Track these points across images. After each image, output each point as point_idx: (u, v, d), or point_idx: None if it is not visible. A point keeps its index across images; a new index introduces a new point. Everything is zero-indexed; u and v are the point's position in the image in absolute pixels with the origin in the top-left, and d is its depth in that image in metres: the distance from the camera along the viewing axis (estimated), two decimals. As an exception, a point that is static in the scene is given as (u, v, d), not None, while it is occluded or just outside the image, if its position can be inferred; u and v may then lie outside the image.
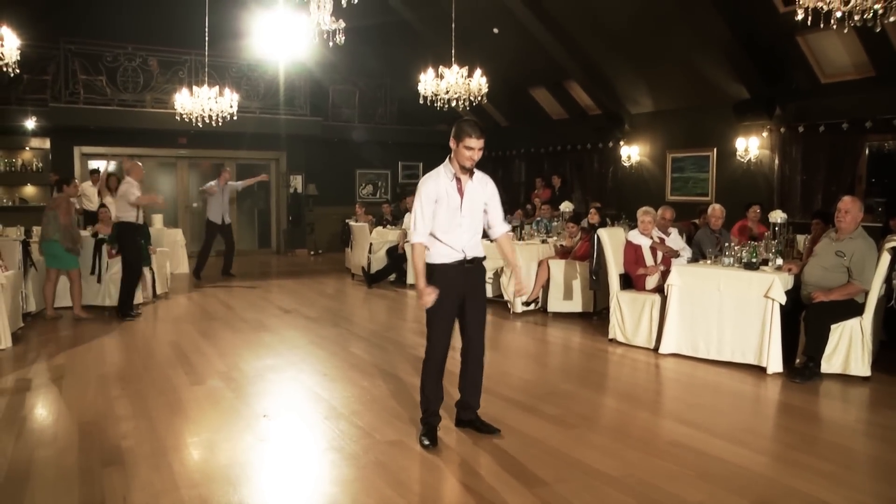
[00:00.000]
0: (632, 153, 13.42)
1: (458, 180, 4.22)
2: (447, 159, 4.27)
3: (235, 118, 11.02)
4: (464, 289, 4.27)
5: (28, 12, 11.57)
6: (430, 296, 4.13)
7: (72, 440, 4.44)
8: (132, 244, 8.41)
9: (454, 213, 4.19)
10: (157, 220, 12.45)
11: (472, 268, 4.32)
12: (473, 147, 4.11)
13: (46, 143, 14.57)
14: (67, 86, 13.58)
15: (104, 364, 6.40)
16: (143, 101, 14.15)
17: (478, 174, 4.30)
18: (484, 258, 4.41)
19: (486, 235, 4.49)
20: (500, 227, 4.48)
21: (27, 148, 14.86)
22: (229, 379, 5.88)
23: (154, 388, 5.61)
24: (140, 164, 8.88)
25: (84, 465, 4.05)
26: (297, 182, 16.62)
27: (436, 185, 4.20)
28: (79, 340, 7.32)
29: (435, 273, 4.24)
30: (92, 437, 4.50)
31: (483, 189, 4.32)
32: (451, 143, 4.18)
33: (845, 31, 5.23)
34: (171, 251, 11.80)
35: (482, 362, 4.49)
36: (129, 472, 3.92)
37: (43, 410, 5.14)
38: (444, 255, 4.24)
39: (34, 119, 13.61)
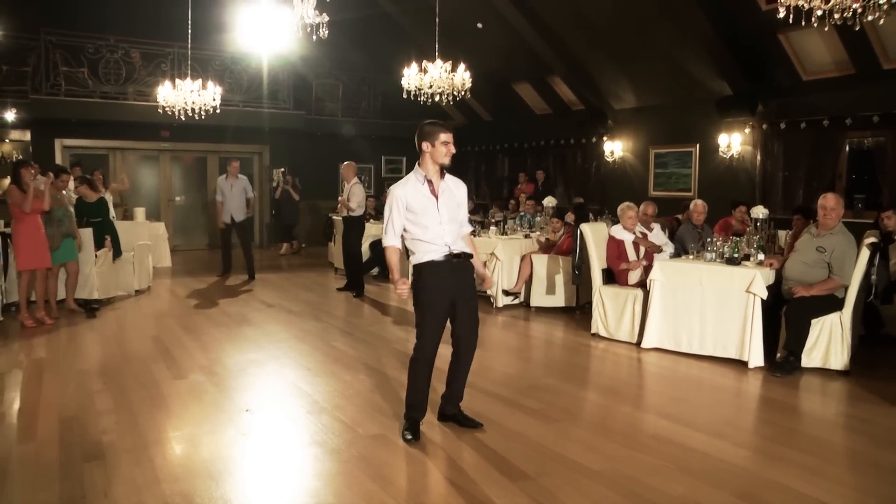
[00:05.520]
0: (615, 149, 13.46)
1: (430, 182, 4.28)
2: (416, 165, 4.34)
3: (218, 111, 10.92)
4: (455, 290, 4.30)
5: (7, 2, 11.42)
6: (404, 286, 4.20)
7: (52, 435, 4.41)
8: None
9: (432, 214, 4.24)
10: (140, 213, 12.33)
11: (461, 265, 4.34)
12: (449, 141, 4.26)
13: (27, 136, 14.37)
14: (48, 77, 13.38)
15: (85, 358, 6.35)
16: (125, 93, 14.02)
17: (449, 176, 4.40)
18: (471, 256, 4.43)
19: None
20: (465, 228, 4.54)
21: (7, 140, 14.67)
22: (211, 373, 5.85)
23: (136, 382, 5.57)
24: (350, 164, 9.93)
25: (65, 459, 4.02)
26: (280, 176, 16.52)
27: (404, 191, 4.27)
28: (59, 334, 7.26)
29: (424, 271, 4.28)
30: (73, 431, 4.47)
31: (457, 189, 4.40)
32: (424, 147, 4.27)
33: (826, 29, 5.27)
34: (154, 245, 11.69)
35: (471, 360, 4.52)
36: (111, 467, 3.90)
37: (23, 405, 5.09)
38: (429, 252, 4.27)
39: (14, 111, 13.41)
